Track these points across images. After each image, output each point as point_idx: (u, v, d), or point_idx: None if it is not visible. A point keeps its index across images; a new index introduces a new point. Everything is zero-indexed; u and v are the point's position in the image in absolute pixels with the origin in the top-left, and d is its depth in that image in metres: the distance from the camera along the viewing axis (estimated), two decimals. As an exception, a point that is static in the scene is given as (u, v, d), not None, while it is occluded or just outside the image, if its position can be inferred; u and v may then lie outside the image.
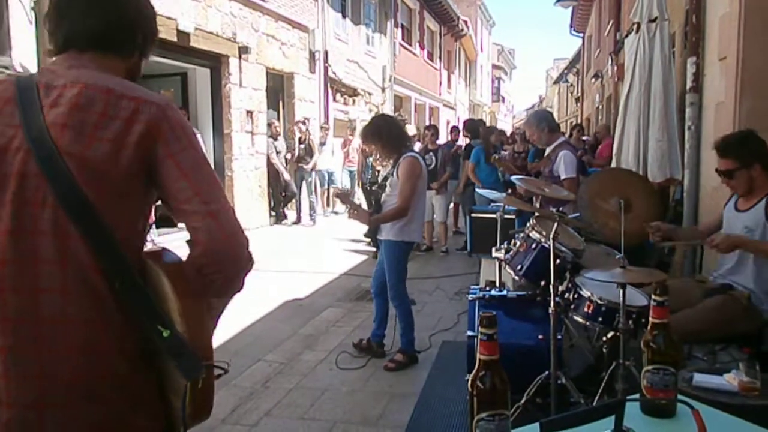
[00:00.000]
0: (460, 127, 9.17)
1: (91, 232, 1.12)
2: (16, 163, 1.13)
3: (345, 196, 4.33)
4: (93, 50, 1.25)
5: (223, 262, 1.15)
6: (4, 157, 1.14)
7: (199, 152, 1.21)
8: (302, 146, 10.57)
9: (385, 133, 4.07)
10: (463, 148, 8.84)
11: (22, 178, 1.13)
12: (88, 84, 1.17)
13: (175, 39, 8.10)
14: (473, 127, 8.84)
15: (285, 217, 10.99)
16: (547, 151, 4.58)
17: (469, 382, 1.13)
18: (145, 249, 1.26)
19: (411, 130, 9.27)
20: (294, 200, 10.97)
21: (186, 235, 1.19)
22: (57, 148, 1.12)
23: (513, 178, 3.91)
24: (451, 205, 9.01)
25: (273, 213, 10.87)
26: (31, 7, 5.97)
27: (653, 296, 1.36)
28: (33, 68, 5.81)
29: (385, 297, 4.18)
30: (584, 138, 11.54)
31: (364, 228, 4.50)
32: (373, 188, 4.28)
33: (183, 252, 1.23)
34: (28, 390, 1.11)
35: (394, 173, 3.98)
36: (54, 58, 1.27)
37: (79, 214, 1.12)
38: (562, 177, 4.24)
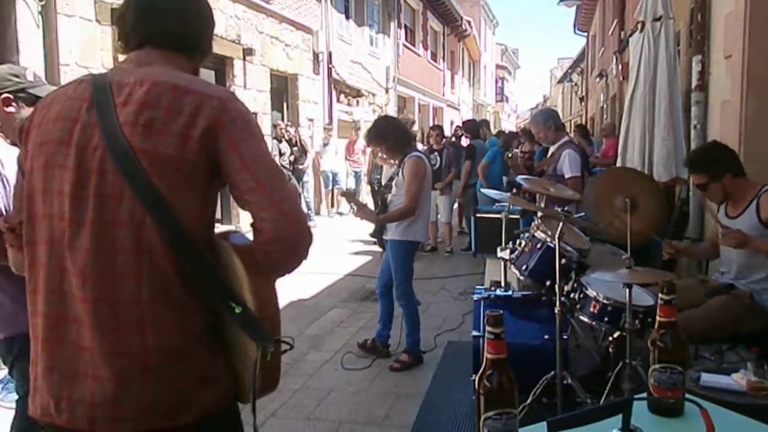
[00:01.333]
0: (464, 125, 9.13)
1: (164, 222, 1.20)
2: (96, 161, 1.22)
3: (351, 196, 4.35)
4: (167, 49, 1.36)
5: (288, 248, 1.24)
6: (84, 155, 1.23)
7: (260, 143, 1.27)
8: (295, 148, 10.53)
9: (390, 134, 4.08)
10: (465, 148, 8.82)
11: (101, 175, 1.22)
12: (156, 81, 1.25)
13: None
14: (473, 127, 8.83)
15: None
16: (552, 150, 4.58)
17: (476, 381, 1.13)
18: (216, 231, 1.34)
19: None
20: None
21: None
22: (130, 145, 1.20)
23: (518, 177, 3.91)
24: (456, 205, 8.99)
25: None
26: (39, 11, 6.00)
27: (660, 295, 1.35)
28: (41, 73, 5.84)
29: (390, 297, 4.19)
30: (590, 138, 11.39)
31: (370, 228, 4.50)
32: (380, 188, 4.29)
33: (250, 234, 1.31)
34: (108, 365, 1.21)
35: (400, 173, 3.99)
36: (128, 55, 1.37)
37: (152, 206, 1.20)
38: (567, 176, 4.23)
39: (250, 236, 1.30)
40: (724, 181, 2.95)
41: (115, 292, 1.21)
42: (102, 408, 1.21)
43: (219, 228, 1.38)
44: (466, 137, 9.06)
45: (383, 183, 4.25)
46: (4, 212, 2.04)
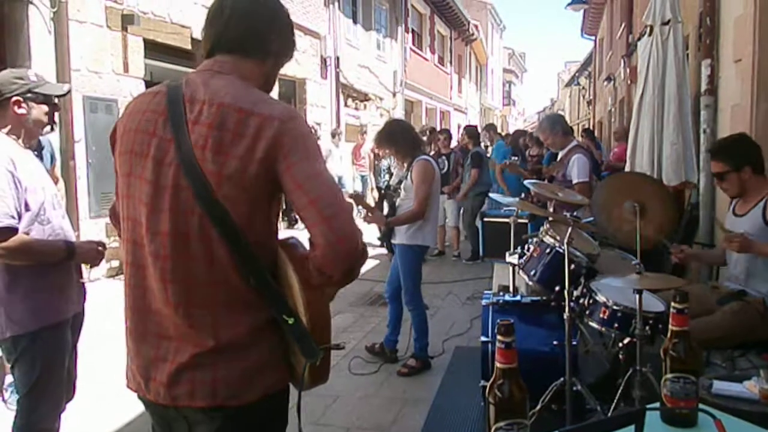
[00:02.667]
0: (465, 131, 8.91)
1: (229, 236, 1.31)
2: (170, 176, 1.34)
3: (360, 199, 4.34)
4: (233, 54, 1.44)
5: (340, 262, 1.30)
6: (160, 169, 1.35)
7: (315, 162, 1.34)
8: None
9: (399, 138, 4.09)
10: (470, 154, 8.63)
11: (176, 190, 1.33)
12: (222, 103, 1.33)
13: (189, 47, 8.18)
14: (474, 133, 8.60)
15: (296, 221, 11.02)
16: (560, 155, 4.56)
17: (487, 390, 1.13)
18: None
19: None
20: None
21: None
22: (200, 165, 1.30)
23: (526, 182, 3.90)
24: (463, 209, 8.95)
25: (285, 218, 10.91)
26: (51, 17, 6.06)
27: (673, 304, 1.34)
28: (52, 78, 5.89)
29: (399, 302, 4.18)
30: (599, 141, 11.29)
31: (378, 231, 4.49)
32: (388, 192, 4.29)
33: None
34: (187, 353, 1.36)
35: (408, 177, 3.99)
36: (203, 63, 1.46)
37: (219, 221, 1.31)
38: (575, 181, 4.21)
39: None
40: (743, 173, 2.91)
41: (193, 296, 1.35)
42: (181, 387, 1.37)
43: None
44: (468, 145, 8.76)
45: (393, 186, 4.24)
46: (16, 213, 2.07)
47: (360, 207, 4.29)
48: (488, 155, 9.13)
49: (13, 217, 2.05)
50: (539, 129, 4.98)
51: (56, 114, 2.41)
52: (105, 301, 4.00)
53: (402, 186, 4.06)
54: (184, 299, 1.35)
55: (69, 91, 2.52)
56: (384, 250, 7.78)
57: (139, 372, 1.43)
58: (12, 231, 2.05)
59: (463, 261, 7.98)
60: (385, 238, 4.39)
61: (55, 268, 2.22)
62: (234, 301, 1.36)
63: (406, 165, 4.09)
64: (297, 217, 11.32)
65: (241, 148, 1.30)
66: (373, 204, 5.21)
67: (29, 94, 2.26)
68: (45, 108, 2.32)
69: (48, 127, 2.39)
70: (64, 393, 2.35)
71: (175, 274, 1.34)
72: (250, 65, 1.45)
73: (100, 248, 2.34)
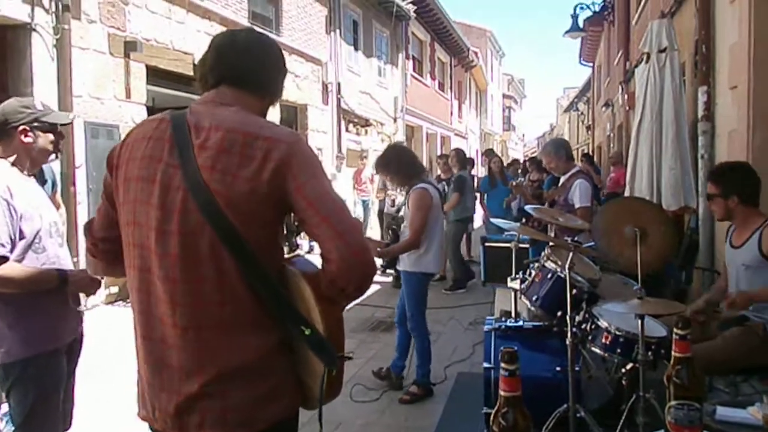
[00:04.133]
0: (453, 153, 8.70)
1: (239, 255, 1.34)
2: (178, 201, 1.36)
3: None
4: (238, 89, 1.49)
5: (354, 274, 1.34)
6: (167, 194, 1.37)
7: (322, 181, 1.39)
8: None
9: (393, 164, 4.06)
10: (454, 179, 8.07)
11: (185, 213, 1.35)
12: (229, 128, 1.37)
13: (191, 73, 8.27)
14: (462, 156, 8.29)
15: (297, 246, 11.01)
16: (562, 179, 4.58)
17: (491, 419, 1.12)
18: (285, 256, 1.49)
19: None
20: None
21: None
22: (208, 188, 1.33)
23: (527, 207, 3.91)
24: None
25: (286, 242, 10.91)
26: (53, 44, 6.15)
27: (675, 330, 1.34)
28: (53, 104, 5.96)
29: (406, 326, 4.14)
30: (598, 167, 11.39)
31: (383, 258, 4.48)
32: (393, 219, 4.30)
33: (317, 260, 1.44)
34: (194, 382, 1.36)
35: (407, 204, 3.99)
36: (205, 94, 1.50)
37: (229, 241, 1.33)
38: (577, 205, 4.23)
39: (312, 259, 1.45)
40: (730, 201, 2.96)
41: (202, 318, 1.36)
42: (189, 417, 1.37)
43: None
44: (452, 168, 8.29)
45: (393, 214, 4.25)
46: (10, 240, 2.07)
47: None
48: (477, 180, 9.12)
49: (3, 246, 2.04)
50: (543, 152, 4.99)
51: (60, 142, 2.43)
52: (104, 328, 3.97)
53: (402, 213, 4.06)
54: (192, 322, 1.36)
55: (73, 119, 2.54)
56: (386, 278, 7.75)
57: (150, 400, 1.44)
58: (3, 259, 2.04)
59: (443, 291, 7.51)
60: (390, 264, 4.37)
61: (48, 295, 2.19)
62: (243, 323, 1.36)
63: (405, 192, 4.09)
64: (297, 242, 11.34)
65: (249, 169, 1.33)
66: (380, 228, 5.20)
67: (36, 123, 2.27)
68: (51, 137, 2.33)
69: (53, 155, 2.40)
70: (60, 422, 2.32)
71: (184, 296, 1.35)
72: (252, 100, 1.50)
73: (95, 276, 2.30)
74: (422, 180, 4.09)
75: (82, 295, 2.43)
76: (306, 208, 1.34)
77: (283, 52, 1.62)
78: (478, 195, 8.94)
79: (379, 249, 4.03)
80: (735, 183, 2.98)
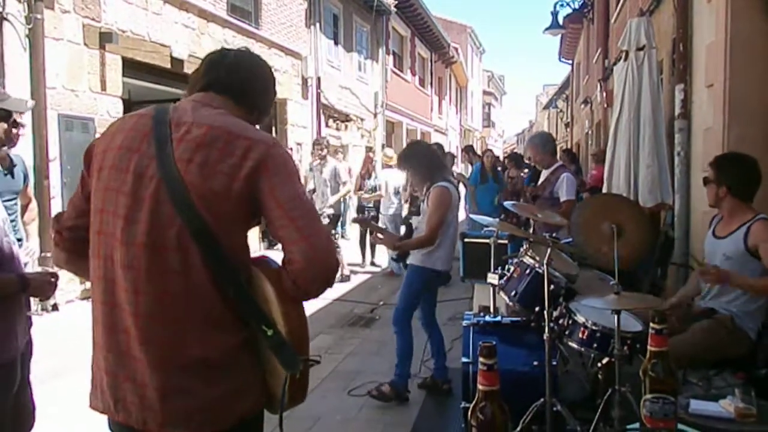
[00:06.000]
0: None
1: (207, 249, 1.34)
2: (151, 188, 1.36)
3: (366, 222, 4.32)
4: (226, 97, 1.52)
5: (317, 277, 1.36)
6: (140, 183, 1.37)
7: (296, 185, 1.42)
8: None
9: (414, 162, 4.02)
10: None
11: (156, 202, 1.35)
12: (213, 126, 1.40)
13: (169, 66, 8.16)
14: (441, 153, 8.54)
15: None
16: (546, 173, 4.61)
17: (469, 413, 1.12)
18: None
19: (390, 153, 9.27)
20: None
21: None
22: (182, 179, 1.34)
23: (506, 203, 3.93)
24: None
25: (265, 238, 10.82)
26: (26, 34, 6.00)
27: (651, 324, 1.35)
28: (26, 95, 5.82)
29: (435, 326, 4.09)
30: (578, 163, 11.48)
31: (387, 251, 4.45)
32: (405, 215, 4.27)
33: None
34: (156, 375, 1.35)
35: (426, 201, 3.95)
36: (191, 96, 1.53)
37: (198, 234, 1.34)
38: (563, 199, 4.27)
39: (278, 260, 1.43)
40: (720, 191, 2.97)
41: (164, 309, 1.34)
42: (151, 412, 1.36)
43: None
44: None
45: (409, 211, 4.22)
46: None
47: (363, 228, 4.27)
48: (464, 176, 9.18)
49: None
50: (530, 145, 4.95)
51: (16, 133, 2.31)
52: (81, 325, 3.91)
53: (421, 209, 4.02)
54: (154, 311, 1.34)
55: (32, 108, 2.43)
56: (366, 275, 7.73)
57: (109, 392, 1.42)
58: None
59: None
60: (401, 258, 4.33)
61: (3, 302, 2.04)
62: (207, 318, 1.36)
63: (425, 189, 3.99)
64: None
65: (227, 165, 1.35)
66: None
67: None
68: (4, 125, 2.24)
69: (4, 147, 2.29)
70: (9, 426, 2.15)
71: (147, 285, 1.34)
72: (238, 111, 1.52)
73: (53, 279, 2.20)
74: (444, 178, 3.99)
75: (32, 300, 2.28)
76: (275, 208, 1.36)
77: (263, 45, 1.61)
78: (464, 189, 8.97)
79: (394, 243, 4.02)
80: (730, 174, 2.98)
